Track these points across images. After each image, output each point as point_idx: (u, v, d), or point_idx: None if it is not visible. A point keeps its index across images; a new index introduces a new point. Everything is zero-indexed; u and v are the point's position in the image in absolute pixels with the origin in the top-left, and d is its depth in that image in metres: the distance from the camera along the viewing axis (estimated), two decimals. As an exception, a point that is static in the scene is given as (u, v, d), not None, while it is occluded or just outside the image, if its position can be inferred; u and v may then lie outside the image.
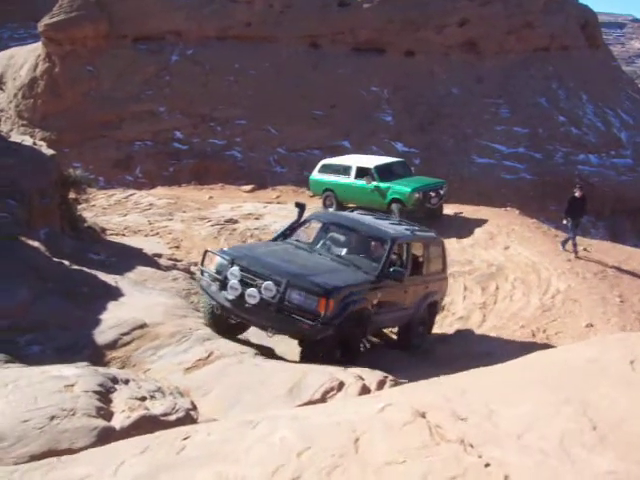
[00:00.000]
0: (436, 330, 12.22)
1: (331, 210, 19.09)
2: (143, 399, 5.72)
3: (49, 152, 15.43)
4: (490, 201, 22.21)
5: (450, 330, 12.17)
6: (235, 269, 7.78)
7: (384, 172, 18.85)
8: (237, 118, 29.48)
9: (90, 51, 30.39)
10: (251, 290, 7.53)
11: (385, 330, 10.57)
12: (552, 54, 32.92)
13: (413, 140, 28.91)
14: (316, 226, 9.84)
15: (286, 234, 9.55)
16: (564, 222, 16.19)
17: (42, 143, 17.25)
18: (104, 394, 5.59)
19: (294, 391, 6.45)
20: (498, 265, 15.22)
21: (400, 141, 29.00)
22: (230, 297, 7.68)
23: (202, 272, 8.38)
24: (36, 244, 10.92)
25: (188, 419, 5.52)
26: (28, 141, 16.08)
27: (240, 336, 8.69)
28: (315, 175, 20.42)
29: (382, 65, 30.96)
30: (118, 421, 5.13)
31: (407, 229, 9.91)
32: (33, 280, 9.28)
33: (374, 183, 18.42)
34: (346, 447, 3.21)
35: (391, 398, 3.99)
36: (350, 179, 19.12)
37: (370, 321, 8.25)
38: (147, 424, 5.13)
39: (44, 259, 10.36)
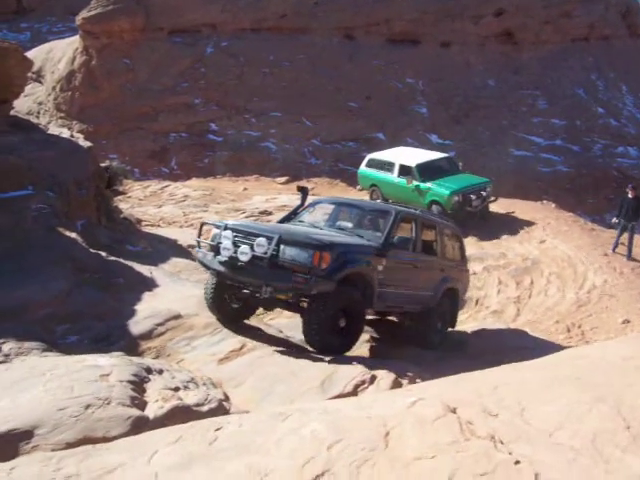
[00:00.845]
0: (470, 323, 12.16)
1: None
2: (176, 389, 5.80)
3: (86, 144, 15.65)
4: (526, 194, 21.90)
5: (484, 324, 12.07)
6: (227, 232, 7.61)
7: (427, 170, 17.91)
8: (272, 110, 29.50)
9: (127, 44, 30.66)
10: (243, 247, 7.31)
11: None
12: (591, 44, 32.30)
13: (448, 132, 28.64)
14: (321, 208, 9.66)
15: (290, 217, 9.34)
16: (614, 220, 15.79)
17: (79, 135, 17.51)
18: (138, 384, 5.68)
19: (326, 384, 6.47)
20: (533, 259, 15.05)
21: (435, 133, 28.74)
22: (223, 259, 7.48)
23: (198, 244, 8.18)
24: (73, 235, 11.10)
25: (220, 410, 5.57)
26: (66, 133, 16.33)
27: (275, 330, 8.68)
28: (362, 169, 19.95)
29: (417, 56, 30.71)
30: (152, 411, 5.21)
31: (417, 210, 9.75)
32: (70, 271, 9.44)
33: (415, 183, 17.63)
34: (376, 441, 3.21)
35: (422, 393, 3.99)
36: (393, 176, 18.46)
37: (375, 289, 7.85)
38: (180, 414, 5.19)
39: (81, 250, 10.52)
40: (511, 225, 17.62)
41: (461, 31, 30.85)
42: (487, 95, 30.01)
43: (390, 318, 10.09)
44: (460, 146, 27.08)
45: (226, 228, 7.68)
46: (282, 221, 9.29)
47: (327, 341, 7.33)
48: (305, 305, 7.64)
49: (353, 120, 28.88)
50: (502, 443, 3.06)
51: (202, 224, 8.59)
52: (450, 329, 10.24)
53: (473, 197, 17.28)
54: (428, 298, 9.19)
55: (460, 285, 10.34)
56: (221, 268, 7.53)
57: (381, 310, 9.07)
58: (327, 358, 7.12)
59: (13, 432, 4.53)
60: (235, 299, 8.15)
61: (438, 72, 30.27)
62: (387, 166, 18.83)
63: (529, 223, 17.59)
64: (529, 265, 14.73)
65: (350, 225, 8.93)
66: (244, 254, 7.25)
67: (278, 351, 7.44)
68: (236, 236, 7.50)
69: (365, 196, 19.47)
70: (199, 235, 8.28)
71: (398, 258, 8.39)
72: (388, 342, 9.26)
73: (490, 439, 3.09)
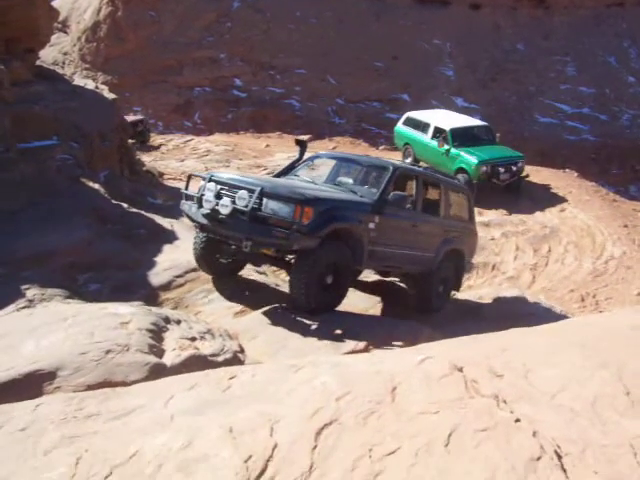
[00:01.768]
0: (485, 288, 12.23)
1: (407, 161, 18.66)
2: (193, 339, 5.97)
3: (110, 96, 15.74)
4: (551, 162, 21.73)
5: (499, 289, 12.14)
6: (211, 184, 7.37)
7: (461, 136, 17.48)
8: (297, 67, 29.32)
9: (153, -5, 30.50)
10: (224, 200, 7.09)
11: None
12: (627, 10, 31.51)
13: (474, 96, 28.32)
14: (319, 163, 9.39)
15: (287, 172, 9.00)
16: None
17: (104, 87, 17.59)
18: (157, 332, 5.86)
19: (339, 339, 6.62)
20: (552, 227, 15.04)
21: (461, 96, 28.45)
22: (205, 211, 7.27)
23: (185, 196, 7.87)
24: (96, 186, 11.27)
25: (235, 361, 5.75)
26: (91, 85, 16.41)
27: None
28: (399, 126, 19.70)
29: (446, 18, 30.24)
30: (169, 359, 5.39)
31: (421, 167, 9.41)
32: (93, 221, 9.63)
33: (446, 146, 17.23)
34: (383, 395, 3.34)
35: (431, 352, 4.10)
36: (427, 138, 18.13)
37: (364, 247, 7.54)
38: (196, 363, 5.37)
39: (103, 201, 10.70)
40: (537, 195, 17.44)
41: (492, -7, 30.29)
42: (515, 59, 29.56)
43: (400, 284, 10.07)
44: (486, 110, 26.79)
45: (210, 180, 7.45)
46: (278, 175, 9.00)
47: (312, 298, 7.10)
48: (291, 261, 7.52)
49: (378, 80, 28.63)
50: (505, 402, 3.16)
51: (190, 176, 8.39)
52: (455, 292, 10.03)
53: (502, 170, 16.81)
54: (429, 259, 8.86)
55: (466, 247, 9.86)
56: (204, 220, 7.34)
57: (374, 269, 8.93)
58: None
59: (37, 373, 4.74)
60: (224, 254, 8.05)
61: (467, 34, 29.82)
62: (422, 126, 18.53)
63: (551, 191, 17.54)
64: (547, 233, 14.73)
65: (350, 181, 8.64)
66: (225, 207, 7.05)
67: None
68: (221, 188, 7.27)
69: (392, 156, 19.41)
70: (187, 187, 8.02)
71: (394, 216, 8.06)
72: (400, 305, 9.35)
73: (493, 398, 3.20)
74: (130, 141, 21.24)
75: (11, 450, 3.38)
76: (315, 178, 8.75)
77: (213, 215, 7.19)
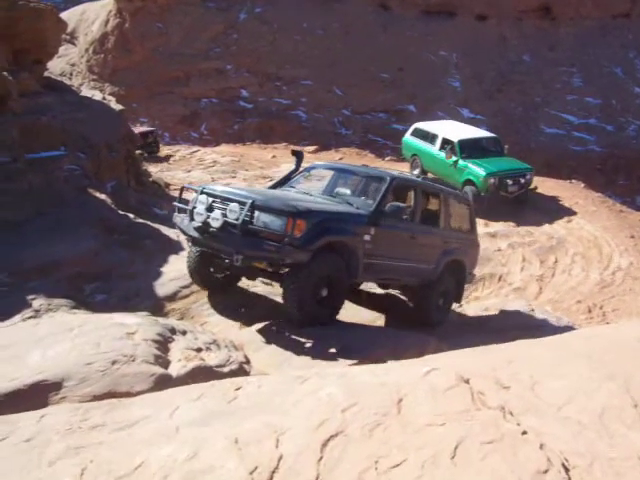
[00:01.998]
0: (491, 299, 12.20)
1: (415, 174, 18.44)
2: (199, 350, 5.96)
3: (118, 107, 15.82)
4: (557, 172, 21.71)
5: (505, 300, 12.11)
6: (202, 197, 7.20)
7: (469, 147, 17.29)
8: (303, 78, 29.44)
9: (160, 7, 30.67)
10: (215, 213, 6.92)
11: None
12: (633, 21, 31.53)
13: (480, 107, 28.36)
14: (317, 174, 9.24)
15: (283, 183, 8.80)
16: None
17: (111, 98, 17.69)
18: (162, 343, 5.85)
19: (345, 351, 6.60)
20: (559, 238, 15.00)
21: (467, 107, 28.49)
22: (196, 224, 7.10)
23: (178, 209, 7.68)
24: (103, 196, 11.32)
25: (241, 372, 5.73)
26: (98, 96, 16.50)
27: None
28: (407, 137, 19.58)
29: (452, 29, 30.33)
30: (175, 369, 5.38)
31: (419, 177, 9.27)
32: (99, 231, 9.65)
33: (454, 158, 17.03)
34: (389, 407, 3.33)
35: (437, 363, 4.09)
36: (434, 149, 17.97)
37: (360, 260, 7.37)
38: (202, 374, 5.36)
39: (110, 211, 10.73)
40: (544, 206, 17.36)
41: (498, 4, 30.35)
42: (521, 71, 29.60)
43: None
44: (492, 121, 26.82)
45: (202, 192, 7.29)
46: (274, 186, 8.83)
47: (306, 312, 6.93)
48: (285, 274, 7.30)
49: (384, 91, 28.71)
50: (511, 414, 3.15)
51: (182, 188, 8.21)
52: (457, 304, 9.90)
53: (510, 182, 16.63)
54: (428, 271, 8.69)
55: (467, 258, 9.67)
56: (195, 234, 7.18)
57: (371, 282, 8.76)
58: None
59: (43, 383, 4.74)
60: (218, 268, 7.88)
61: (473, 46, 29.89)
62: (430, 137, 18.37)
63: (559, 203, 17.49)
64: (554, 244, 14.70)
65: (347, 192, 8.48)
66: (216, 220, 6.89)
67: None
68: (214, 201, 7.10)
69: (398, 167, 19.39)
70: (179, 199, 7.84)
71: (392, 228, 7.92)
72: (405, 316, 9.32)
73: (500, 410, 3.19)
74: (139, 152, 21.43)
75: (16, 461, 3.38)
76: (311, 189, 8.55)
77: (204, 228, 7.03)
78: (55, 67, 26.08)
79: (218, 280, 8.05)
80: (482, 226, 16.08)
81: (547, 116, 28.26)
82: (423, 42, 29.88)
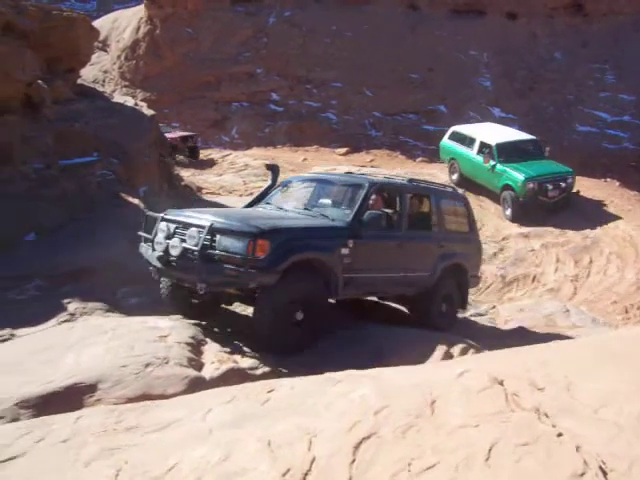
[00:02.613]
0: (525, 300, 12.07)
1: (454, 178, 18.13)
2: (232, 353, 6.00)
3: (149, 112, 15.98)
4: (591, 171, 21.38)
5: (539, 300, 11.96)
6: (163, 224, 6.71)
7: (507, 151, 16.72)
8: (333, 80, 29.43)
9: (190, 13, 30.92)
10: (173, 240, 6.45)
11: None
12: (667, 16, 30.94)
13: (511, 106, 28.06)
14: (294, 188, 8.56)
15: (259, 200, 8.27)
16: None
17: (143, 103, 17.87)
18: (195, 346, 5.90)
19: (378, 352, 6.57)
20: (593, 238, 14.77)
21: (498, 107, 28.21)
22: (157, 254, 6.57)
23: (144, 239, 7.08)
24: (136, 201, 11.43)
25: (273, 374, 5.74)
26: (130, 102, 16.69)
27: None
28: (444, 141, 19.22)
29: (482, 28, 30.06)
30: (208, 372, 5.42)
31: (404, 179, 8.69)
32: (132, 235, 9.74)
33: (492, 162, 16.51)
34: (422, 408, 3.30)
35: (471, 365, 4.05)
36: (473, 152, 17.48)
37: (338, 276, 6.80)
38: (235, 376, 5.39)
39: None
40: (586, 209, 16.88)
41: (528, 2, 30.01)
42: (553, 69, 29.23)
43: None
44: (523, 121, 26.51)
45: (162, 219, 6.77)
46: (250, 205, 8.30)
47: (278, 337, 6.35)
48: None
49: (415, 92, 28.57)
50: (546, 416, 3.10)
51: (146, 216, 7.34)
52: (461, 310, 9.33)
53: (550, 187, 15.99)
54: (423, 279, 8.12)
55: (469, 260, 9.05)
56: (158, 264, 6.62)
57: (356, 297, 8.11)
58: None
59: (78, 385, 4.81)
60: (194, 295, 7.07)
61: (503, 44, 29.60)
62: (468, 141, 17.91)
63: (597, 204, 17.17)
64: (588, 244, 14.47)
65: (328, 203, 7.79)
66: (174, 248, 6.39)
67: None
68: (176, 227, 6.60)
69: (429, 168, 19.27)
70: (144, 228, 7.14)
71: (374, 238, 7.35)
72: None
73: (535, 411, 3.14)
74: (181, 157, 21.65)
75: (52, 461, 3.43)
76: (289, 204, 7.92)
77: (165, 258, 6.51)
78: (88, 74, 26.45)
79: (196, 306, 7.28)
80: (515, 227, 15.93)
81: (580, 114, 27.86)
82: (453, 42, 29.68)
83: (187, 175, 18.48)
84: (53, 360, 5.38)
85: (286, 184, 8.53)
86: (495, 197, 17.08)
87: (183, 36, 30.50)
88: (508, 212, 16.45)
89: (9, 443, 3.66)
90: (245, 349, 6.24)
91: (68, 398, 4.66)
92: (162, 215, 6.87)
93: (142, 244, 7.08)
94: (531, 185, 15.85)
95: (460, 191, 12.49)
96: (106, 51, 32.95)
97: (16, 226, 9.76)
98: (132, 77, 30.84)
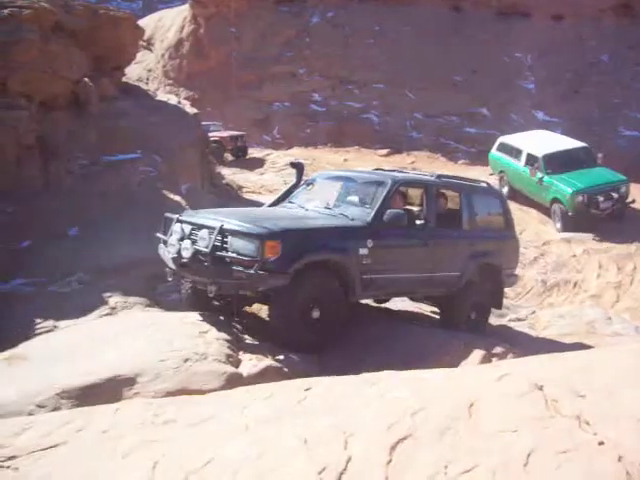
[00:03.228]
0: (566, 306, 11.88)
1: (504, 191, 16.70)
2: (270, 350, 6.02)
3: (192, 111, 16.14)
4: (636, 177, 20.94)
5: (580, 307, 11.77)
6: (177, 226, 6.65)
7: (555, 162, 15.94)
8: (375, 81, 29.35)
9: (233, 13, 31.14)
10: (185, 242, 6.41)
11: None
12: None
13: (556, 109, 27.64)
14: (318, 185, 8.26)
15: (283, 198, 8.12)
16: None
17: (186, 102, 18.05)
18: (234, 343, 5.94)
19: (418, 353, 6.52)
20: (638, 244, 14.47)
21: (542, 110, 27.83)
22: (171, 255, 6.55)
23: (162, 240, 7.04)
24: (177, 198, 11.56)
25: (312, 372, 5.75)
26: (173, 100, 16.88)
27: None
28: (493, 152, 18.65)
29: (527, 30, 29.66)
30: (246, 368, 5.46)
31: (432, 175, 8.23)
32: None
33: (539, 175, 15.87)
34: (460, 411, 3.27)
35: (510, 369, 4.00)
36: (520, 164, 16.85)
37: (355, 277, 6.61)
38: (272, 374, 5.42)
39: (184, 213, 10.92)
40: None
41: (575, 3, 29.50)
42: (599, 71, 28.71)
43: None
44: (567, 124, 26.11)
45: (177, 221, 6.72)
46: (274, 203, 8.17)
47: (294, 337, 6.28)
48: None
49: (457, 94, 28.32)
50: (587, 424, 3.04)
51: (165, 217, 7.17)
52: (496, 309, 8.91)
53: (601, 198, 15.21)
54: (452, 279, 7.74)
55: (503, 259, 8.51)
56: (173, 266, 6.62)
57: (378, 298, 7.98)
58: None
59: (118, 378, 4.88)
60: (214, 297, 6.90)
61: (548, 47, 29.17)
62: (515, 152, 17.31)
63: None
64: (632, 250, 14.18)
65: (354, 201, 7.55)
66: (186, 249, 6.35)
67: (373, 320, 7.55)
68: (192, 229, 6.54)
69: (471, 171, 19.02)
70: (163, 230, 7.06)
71: (396, 237, 7.16)
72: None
73: (575, 418, 3.09)
74: (229, 157, 21.86)
75: (92, 450, 3.49)
76: (312, 203, 7.66)
77: (179, 259, 6.47)
78: (132, 73, 26.80)
79: (218, 308, 7.10)
80: (558, 231, 15.71)
81: (626, 118, 27.31)
82: (497, 44, 29.35)
83: (228, 174, 18.62)
84: (94, 352, 5.47)
85: (310, 182, 8.29)
86: (544, 209, 16.62)
87: (226, 35, 30.73)
88: (559, 225, 15.84)
89: (51, 431, 3.74)
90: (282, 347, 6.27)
91: (108, 390, 4.74)
92: (177, 217, 6.82)
93: (160, 245, 7.05)
94: (580, 198, 15.12)
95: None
96: (150, 50, 33.36)
97: (60, 220, 9.96)
98: (176, 76, 31.19)
